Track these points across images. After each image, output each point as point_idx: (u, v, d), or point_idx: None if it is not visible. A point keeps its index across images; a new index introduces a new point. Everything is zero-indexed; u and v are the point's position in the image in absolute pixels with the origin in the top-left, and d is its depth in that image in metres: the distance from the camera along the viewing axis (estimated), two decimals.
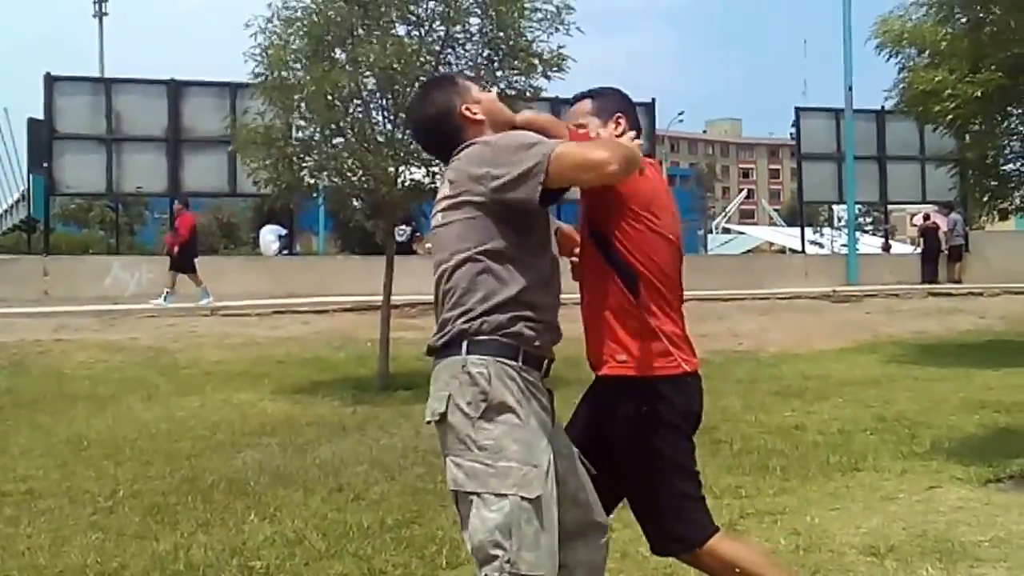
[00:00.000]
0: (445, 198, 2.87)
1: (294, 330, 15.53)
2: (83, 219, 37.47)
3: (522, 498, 2.65)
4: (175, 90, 20.27)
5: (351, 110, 11.08)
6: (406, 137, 10.95)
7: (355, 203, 11.98)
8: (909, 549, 4.70)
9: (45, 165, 19.92)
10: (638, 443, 3.08)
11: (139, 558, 4.60)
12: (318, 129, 11.12)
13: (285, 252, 21.67)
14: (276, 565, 4.40)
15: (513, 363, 2.77)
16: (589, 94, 3.30)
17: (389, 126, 11.24)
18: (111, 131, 19.97)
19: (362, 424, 8.56)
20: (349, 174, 11.01)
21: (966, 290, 22.00)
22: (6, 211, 38.00)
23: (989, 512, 5.32)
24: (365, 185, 11.13)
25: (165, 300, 17.32)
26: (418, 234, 23.26)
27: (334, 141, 11.23)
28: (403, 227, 21.97)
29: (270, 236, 21.64)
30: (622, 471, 3.14)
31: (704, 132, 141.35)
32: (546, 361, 2.92)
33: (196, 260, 18.23)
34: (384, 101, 11.21)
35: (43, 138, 20.14)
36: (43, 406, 10.26)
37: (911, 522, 5.16)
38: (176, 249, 18.08)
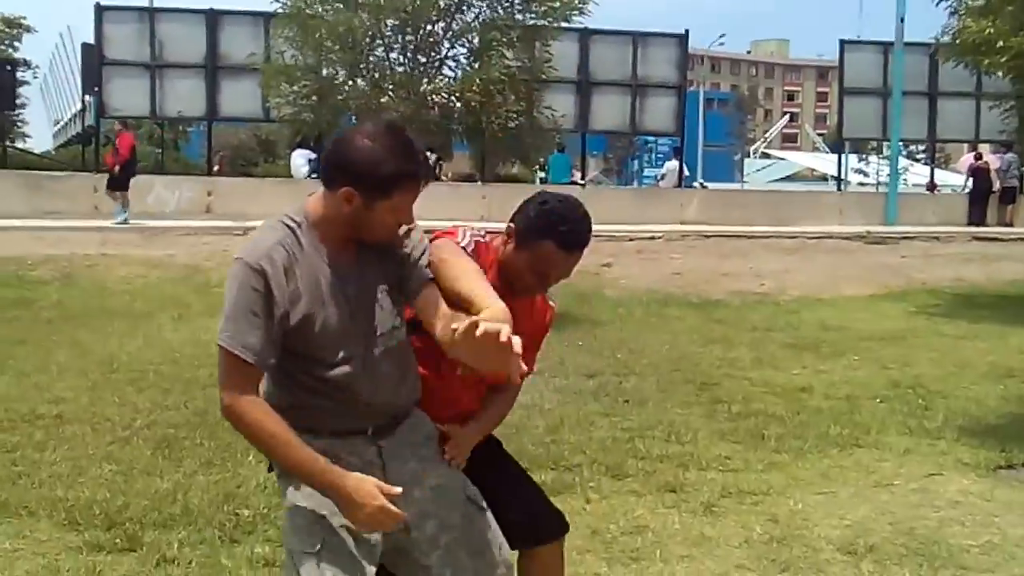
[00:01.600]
0: None
1: None
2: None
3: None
4: (213, 19, 20.10)
5: (368, 51, 10.93)
6: (420, 79, 10.85)
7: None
8: (891, 549, 4.24)
9: (96, 89, 19.84)
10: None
11: (141, 497, 4.68)
12: (338, 69, 11.01)
13: (314, 176, 21.53)
14: (263, 515, 4.44)
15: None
16: None
17: (405, 68, 11.13)
18: (155, 58, 19.85)
19: None
20: (361, 116, 10.92)
21: (1016, 235, 19.33)
22: (65, 124, 37.93)
23: (988, 511, 4.76)
24: None
25: (124, 215, 17.13)
26: (442, 162, 23.07)
27: (352, 81, 11.12)
28: (428, 154, 21.78)
29: (300, 160, 21.49)
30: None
31: (748, 53, 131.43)
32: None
33: (132, 179, 17.76)
34: (402, 41, 11.07)
35: (94, 63, 20.01)
36: (85, 321, 10.37)
37: (900, 516, 4.67)
38: (116, 168, 17.62)
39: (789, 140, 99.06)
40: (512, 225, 2.78)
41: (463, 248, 2.68)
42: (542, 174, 28.47)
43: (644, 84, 21.77)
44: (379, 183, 2.37)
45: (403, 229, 2.53)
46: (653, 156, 44.49)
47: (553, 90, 18.71)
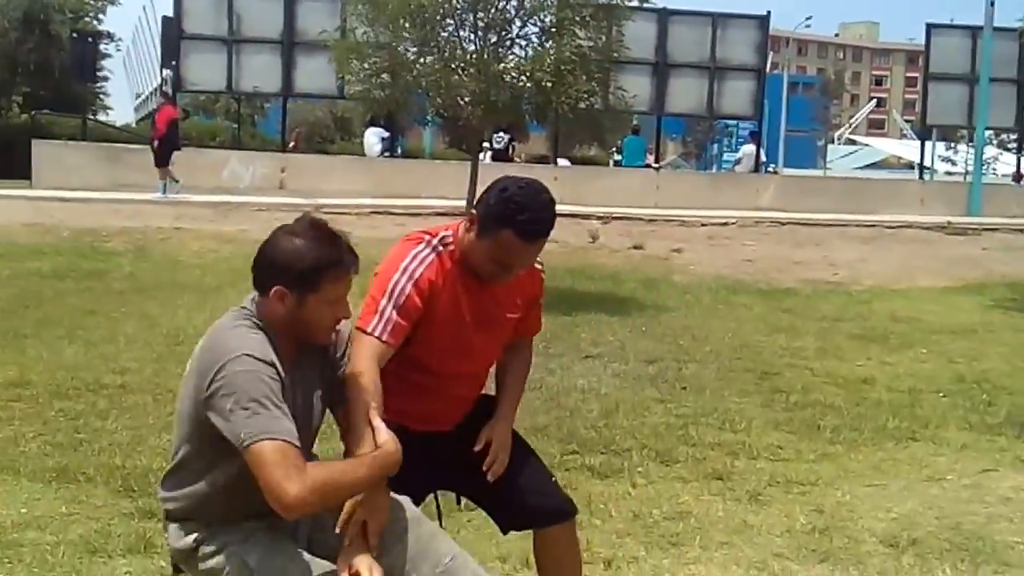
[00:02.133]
0: None
1: (389, 232, 15.65)
2: (211, 109, 38.19)
3: None
4: None
5: (439, 28, 11.01)
6: (490, 57, 10.91)
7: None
8: (934, 543, 4.22)
9: (174, 63, 20.27)
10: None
11: None
12: (408, 47, 11.11)
13: (387, 154, 21.81)
14: None
15: None
16: None
17: (476, 46, 11.18)
18: (232, 32, 20.20)
19: None
20: (432, 94, 11.02)
21: None
22: (146, 98, 38.79)
23: None
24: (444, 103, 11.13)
25: (164, 192, 17.51)
26: (515, 143, 23.12)
27: (423, 60, 11.21)
28: (500, 134, 21.81)
29: (373, 138, 21.73)
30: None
31: (836, 36, 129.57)
32: None
33: (175, 154, 18.05)
34: (473, 19, 11.13)
35: (172, 37, 20.45)
36: (156, 294, 10.69)
37: (948, 511, 4.63)
38: (156, 143, 17.96)
39: (876, 126, 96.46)
40: (474, 211, 2.78)
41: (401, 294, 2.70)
42: (618, 157, 28.43)
43: (723, 67, 21.55)
44: (305, 275, 2.41)
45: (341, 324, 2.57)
46: (733, 140, 43.99)
47: (629, 71, 18.63)
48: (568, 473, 5.06)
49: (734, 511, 4.60)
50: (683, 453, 5.47)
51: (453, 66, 10.97)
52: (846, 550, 4.17)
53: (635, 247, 15.46)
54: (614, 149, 30.16)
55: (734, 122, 36.98)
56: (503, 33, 11.27)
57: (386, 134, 21.58)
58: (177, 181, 17.78)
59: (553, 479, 3.06)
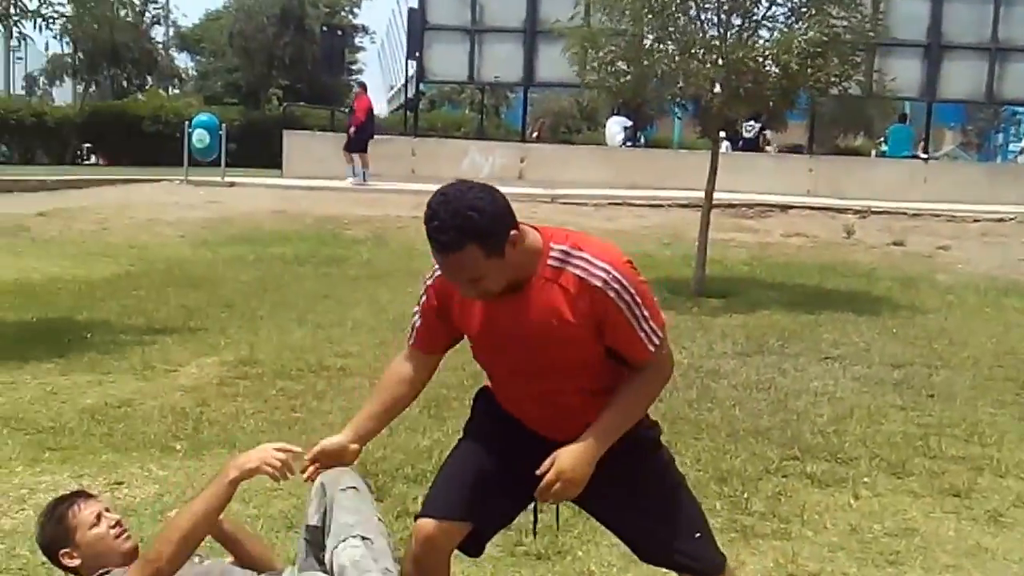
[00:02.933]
0: None
1: (626, 223, 15.70)
2: (457, 100, 39.46)
3: None
4: None
5: (680, 12, 10.87)
6: (734, 41, 10.68)
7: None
8: None
9: (417, 54, 21.05)
10: None
11: (399, 452, 5.04)
12: (647, 34, 11.03)
13: (629, 144, 21.80)
14: None
15: None
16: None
17: (718, 31, 10.98)
18: (475, 22, 20.73)
19: None
20: (671, 82, 10.89)
21: None
22: (398, 90, 40.55)
23: None
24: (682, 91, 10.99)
25: (357, 176, 18.62)
26: (766, 132, 22.54)
27: (660, 46, 11.09)
28: (751, 123, 21.37)
29: (615, 127, 21.77)
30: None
31: None
32: None
33: (370, 141, 18.95)
34: (716, 1, 10.93)
35: (417, 28, 21.23)
36: (388, 280, 11.18)
37: None
38: (352, 130, 18.81)
39: None
40: None
41: None
42: (885, 147, 27.16)
43: (1005, 47, 20.11)
44: None
45: None
46: (1021, 128, 41.09)
47: (896, 54, 17.81)
48: (784, 480, 4.90)
49: (968, 532, 4.29)
50: (918, 466, 5.16)
51: (693, 52, 10.79)
52: None
53: (895, 243, 14.80)
54: (881, 139, 28.79)
55: (1022, 109, 34.50)
56: (748, 16, 11.00)
57: (629, 123, 21.57)
58: (366, 168, 18.87)
59: (698, 535, 2.86)
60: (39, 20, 9.00)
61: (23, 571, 3.70)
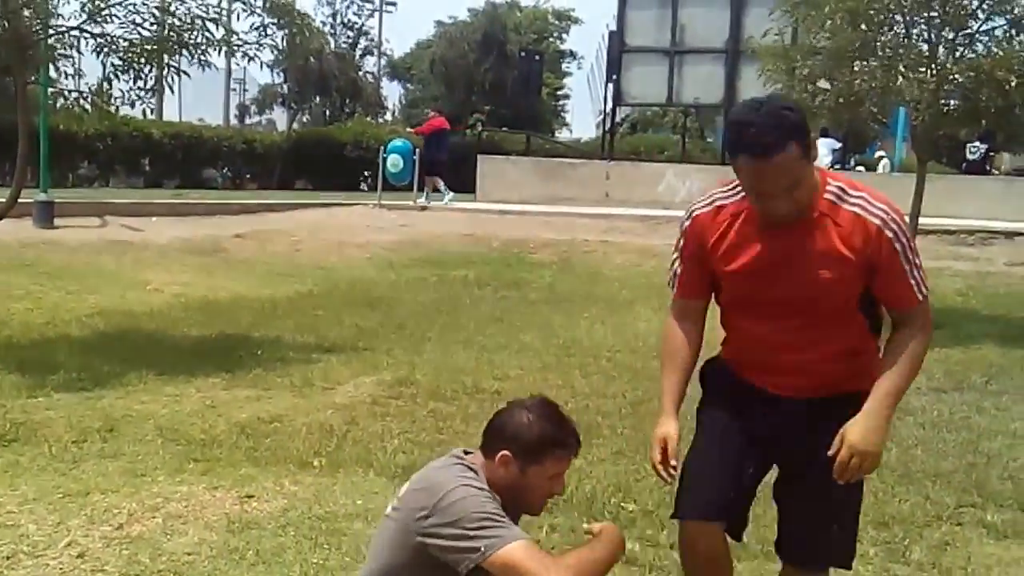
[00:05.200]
0: None
1: None
2: (659, 123, 39.32)
3: None
4: (738, 1, 20.28)
5: (886, 27, 10.42)
6: (945, 57, 10.15)
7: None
8: None
9: (614, 77, 21.04)
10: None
11: None
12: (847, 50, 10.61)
13: (837, 166, 21.01)
14: (647, 511, 4.46)
15: None
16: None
17: (927, 45, 10.46)
18: (674, 43, 20.56)
19: None
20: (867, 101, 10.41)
21: None
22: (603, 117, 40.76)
23: None
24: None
25: (444, 199, 18.76)
26: (993, 153, 21.35)
27: (861, 63, 10.64)
28: (977, 144, 20.32)
29: (823, 150, 20.96)
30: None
31: None
32: None
33: (442, 164, 19.07)
34: (927, 15, 10.41)
35: (615, 51, 21.24)
36: (566, 305, 11.14)
37: None
38: (417, 151, 18.95)
39: None
40: None
41: None
42: None
43: None
44: (532, 448, 2.73)
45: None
46: None
47: None
48: (957, 528, 4.52)
49: None
50: None
51: (899, 69, 10.31)
52: None
53: None
54: None
55: None
56: (962, 29, 10.42)
57: (838, 145, 20.84)
58: (439, 191, 19.08)
59: (835, 526, 2.88)
60: (255, 49, 9.37)
61: None
